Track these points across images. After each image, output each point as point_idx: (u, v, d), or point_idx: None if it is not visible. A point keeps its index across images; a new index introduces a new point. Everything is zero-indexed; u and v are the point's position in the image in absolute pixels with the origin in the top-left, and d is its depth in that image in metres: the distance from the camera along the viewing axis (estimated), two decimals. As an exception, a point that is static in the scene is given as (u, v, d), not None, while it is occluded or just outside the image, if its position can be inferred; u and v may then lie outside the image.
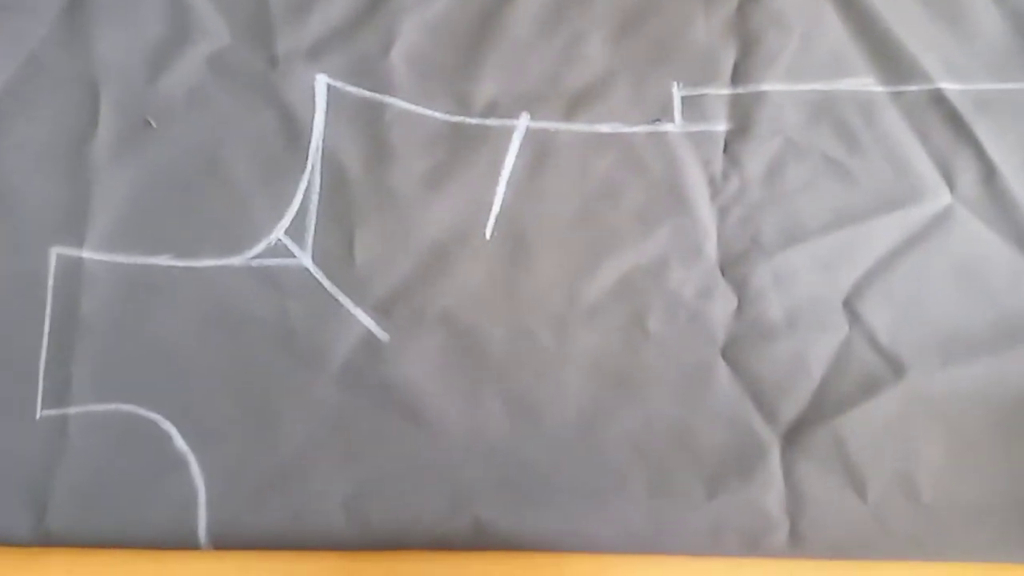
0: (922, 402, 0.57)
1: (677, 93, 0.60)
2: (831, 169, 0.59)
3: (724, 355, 0.58)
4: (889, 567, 0.56)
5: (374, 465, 0.56)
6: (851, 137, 0.59)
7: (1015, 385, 0.57)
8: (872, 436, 0.56)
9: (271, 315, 0.57)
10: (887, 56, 0.60)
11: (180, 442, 0.56)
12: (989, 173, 0.59)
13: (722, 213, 0.59)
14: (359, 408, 0.57)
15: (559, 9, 0.61)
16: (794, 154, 0.59)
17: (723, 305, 0.58)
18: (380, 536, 0.55)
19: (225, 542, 0.55)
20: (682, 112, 0.60)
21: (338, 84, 0.60)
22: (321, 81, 0.60)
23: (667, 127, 0.60)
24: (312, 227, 0.58)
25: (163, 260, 0.58)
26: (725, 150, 0.60)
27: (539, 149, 0.59)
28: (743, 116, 0.60)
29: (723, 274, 0.59)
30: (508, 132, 0.60)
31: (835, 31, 0.61)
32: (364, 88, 0.60)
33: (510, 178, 0.59)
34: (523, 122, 0.60)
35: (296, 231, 0.58)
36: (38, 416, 0.56)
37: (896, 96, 0.60)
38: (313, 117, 0.59)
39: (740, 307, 0.58)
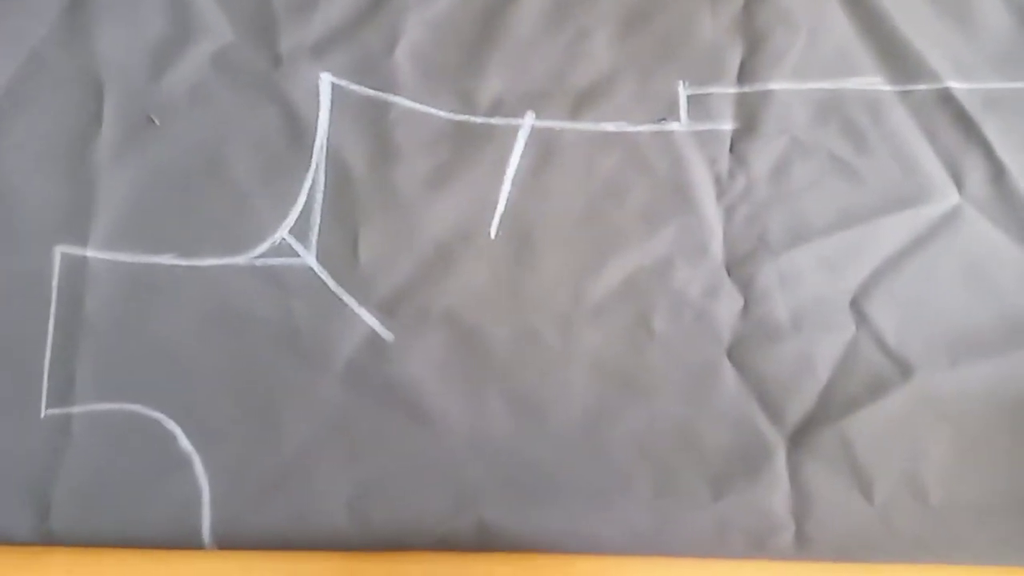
0: (930, 403, 0.57)
1: (683, 92, 0.60)
2: (838, 168, 0.59)
3: (730, 355, 0.57)
4: (896, 569, 0.55)
5: (378, 465, 0.56)
6: (858, 136, 0.59)
7: None
8: (879, 437, 0.56)
9: (275, 315, 0.57)
10: (894, 55, 0.60)
11: (184, 441, 0.56)
12: (998, 173, 0.59)
13: (728, 212, 0.59)
14: (363, 408, 0.57)
15: (564, 7, 0.60)
16: (801, 153, 0.59)
17: (729, 305, 0.58)
18: (383, 536, 0.55)
19: (229, 542, 0.55)
20: (688, 111, 0.59)
21: (342, 82, 0.60)
22: (325, 79, 0.60)
23: (673, 126, 0.59)
24: (316, 226, 0.58)
25: (167, 259, 0.58)
26: (731, 149, 0.59)
27: (544, 148, 0.59)
28: (749, 115, 0.59)
29: (729, 274, 0.58)
30: (513, 131, 0.59)
31: (842, 29, 0.60)
32: (368, 86, 0.60)
33: (515, 177, 0.59)
34: (528, 121, 0.59)
35: (300, 230, 0.58)
36: (42, 415, 0.56)
37: (904, 95, 0.60)
38: (317, 116, 0.59)
39: (746, 307, 0.58)
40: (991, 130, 0.59)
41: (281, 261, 0.58)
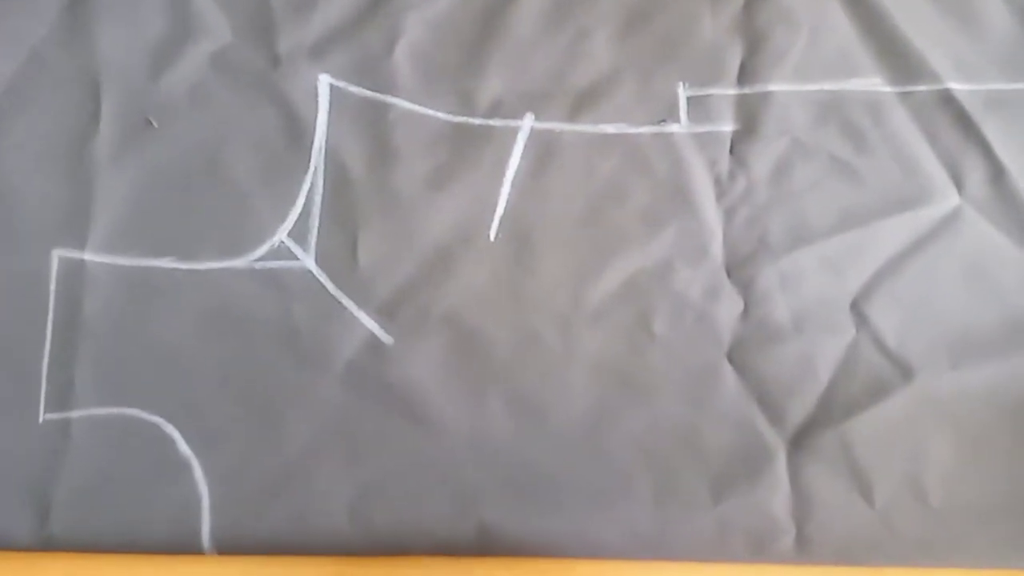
0: (931, 405, 0.56)
1: (683, 93, 0.59)
2: (838, 170, 0.59)
3: (730, 357, 0.57)
4: (897, 572, 0.55)
5: (378, 468, 0.56)
6: (859, 137, 0.59)
7: (1024, 388, 0.57)
8: (880, 439, 0.56)
9: (274, 318, 0.57)
10: (895, 56, 0.60)
11: (183, 446, 0.56)
12: (998, 174, 0.58)
13: (728, 214, 0.59)
14: (363, 411, 0.56)
15: (564, 7, 0.60)
16: (801, 155, 0.59)
17: (729, 307, 0.58)
18: (384, 540, 0.55)
19: (229, 547, 0.55)
20: (688, 112, 0.59)
21: (341, 84, 0.59)
22: (324, 81, 0.59)
23: (673, 127, 0.59)
24: (315, 229, 0.58)
25: (165, 262, 0.57)
26: (731, 151, 0.59)
27: (544, 150, 0.59)
28: (750, 116, 0.59)
29: (729, 276, 0.58)
30: (512, 132, 0.59)
31: (843, 30, 0.60)
32: (367, 88, 0.59)
33: (514, 179, 0.59)
34: (527, 122, 0.59)
35: (299, 233, 0.58)
36: (41, 420, 0.56)
37: (904, 96, 0.59)
38: (316, 117, 0.59)
39: (746, 309, 0.58)
40: (991, 131, 0.59)
41: (280, 264, 0.58)
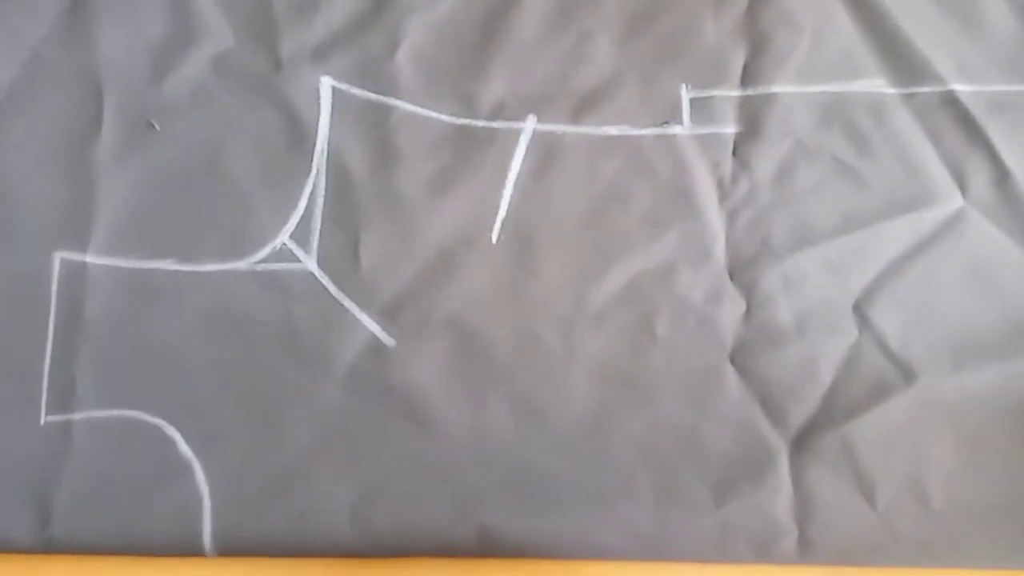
0: (933, 407, 0.56)
1: (686, 95, 0.59)
2: (841, 172, 0.59)
3: (733, 360, 0.57)
4: (899, 574, 0.55)
5: (379, 470, 0.56)
6: (862, 139, 0.59)
7: (1027, 390, 0.57)
8: (882, 441, 0.56)
9: (276, 320, 0.57)
10: (898, 57, 0.60)
11: (184, 448, 0.56)
12: (1002, 176, 0.58)
13: (731, 216, 0.59)
14: (364, 413, 0.56)
15: (566, 10, 0.60)
16: (804, 156, 0.59)
17: (732, 309, 0.58)
18: (385, 542, 0.55)
19: (230, 548, 0.55)
20: (691, 114, 0.59)
21: (343, 86, 0.59)
22: (326, 83, 0.59)
23: (675, 129, 0.59)
24: (317, 231, 0.58)
25: (167, 264, 0.57)
26: (734, 152, 0.59)
27: (546, 152, 0.59)
28: (753, 118, 0.59)
29: (732, 278, 0.58)
30: (515, 135, 0.59)
31: (846, 31, 0.60)
32: (369, 90, 0.59)
33: (517, 181, 0.59)
34: (530, 124, 0.59)
35: (301, 235, 0.58)
36: (42, 422, 0.56)
37: (908, 98, 0.59)
38: (318, 120, 0.59)
39: (749, 311, 0.58)
40: (995, 133, 0.59)
41: (282, 266, 0.58)
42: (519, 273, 0.58)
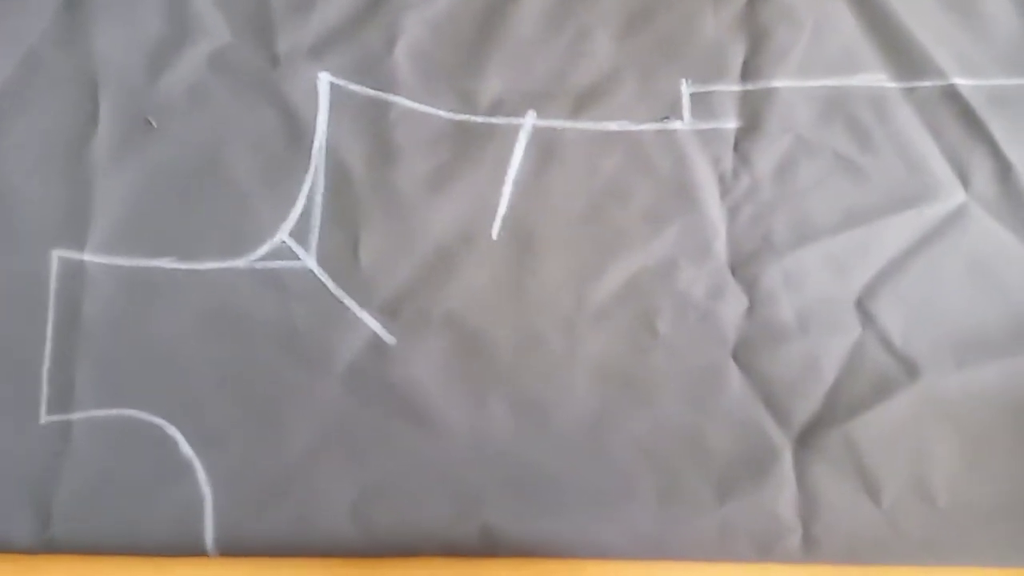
0: (936, 404, 0.56)
1: (686, 90, 0.59)
2: (843, 167, 0.58)
3: (735, 357, 0.57)
4: (903, 572, 0.55)
5: (381, 469, 0.56)
6: (863, 134, 0.59)
7: (1031, 386, 0.57)
8: (886, 439, 0.56)
9: (275, 318, 0.57)
10: (900, 51, 0.59)
11: (185, 447, 0.55)
12: (1004, 171, 0.58)
13: (732, 212, 0.58)
14: (365, 412, 0.56)
15: (565, 5, 0.60)
16: (805, 152, 0.58)
17: (733, 306, 0.57)
18: (387, 541, 0.55)
19: (232, 548, 0.55)
20: (691, 109, 0.59)
21: (341, 82, 0.59)
22: (324, 79, 0.59)
23: (676, 125, 0.59)
24: (316, 228, 0.58)
25: (165, 263, 0.57)
26: (735, 148, 0.59)
27: (545, 148, 0.59)
28: (753, 113, 0.59)
29: (733, 274, 0.58)
30: (514, 131, 0.59)
31: (847, 26, 0.60)
32: (367, 86, 0.59)
33: (516, 178, 0.58)
34: (529, 120, 0.59)
35: (300, 232, 0.58)
36: (41, 421, 0.56)
37: (909, 92, 0.59)
38: (316, 116, 0.59)
39: (751, 308, 0.57)
40: (997, 127, 0.58)
41: (281, 264, 0.57)
42: (519, 270, 0.57)
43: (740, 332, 0.57)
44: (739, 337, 0.57)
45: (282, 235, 0.58)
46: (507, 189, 0.58)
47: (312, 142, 0.58)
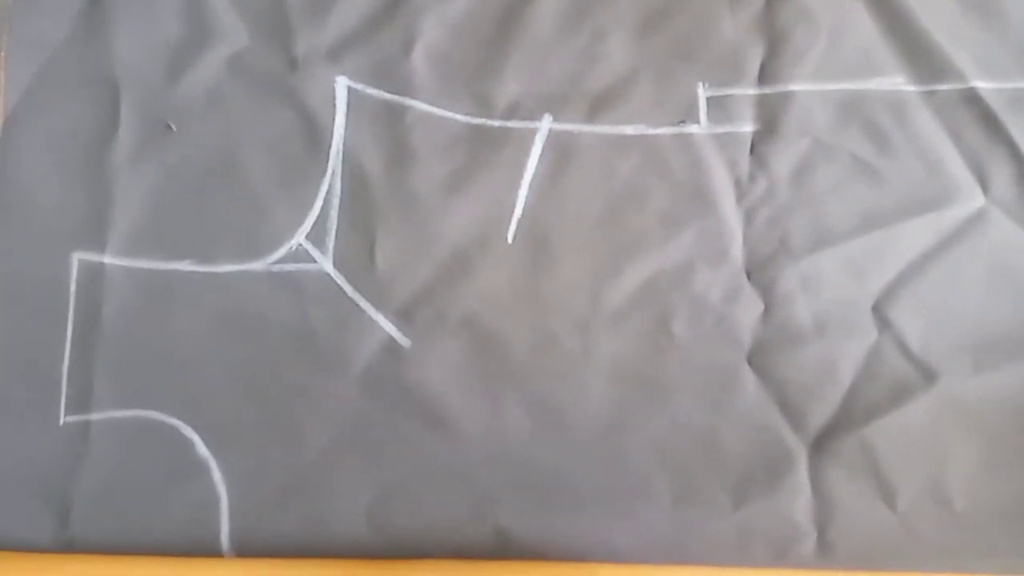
0: (954, 409, 0.56)
1: (703, 93, 0.59)
2: (860, 170, 0.58)
3: (750, 360, 0.57)
4: (919, 578, 0.55)
5: (396, 471, 0.56)
6: (881, 138, 0.58)
7: (1050, 392, 0.56)
8: (902, 444, 0.55)
9: (292, 321, 0.57)
10: (918, 54, 0.59)
11: (202, 448, 0.56)
12: (1024, 174, 0.58)
13: (748, 215, 0.58)
14: (381, 414, 0.56)
15: (581, 7, 0.60)
16: (822, 155, 0.58)
17: (749, 309, 0.57)
18: (402, 543, 0.55)
19: (247, 549, 0.55)
20: (708, 113, 0.59)
21: (358, 86, 0.59)
22: (341, 83, 0.59)
23: (692, 128, 0.59)
24: (333, 231, 0.58)
25: (184, 265, 0.57)
26: (752, 151, 0.59)
27: (562, 151, 0.59)
28: (770, 117, 0.59)
29: (749, 278, 0.58)
30: (530, 134, 0.59)
31: (865, 28, 0.59)
32: (385, 90, 0.59)
33: (532, 181, 0.58)
34: (545, 124, 0.59)
35: (317, 236, 0.58)
36: (61, 422, 0.56)
37: (928, 95, 0.59)
38: (333, 119, 0.59)
39: (767, 311, 0.57)
40: (1017, 130, 0.58)
41: (298, 267, 0.58)
42: (535, 273, 0.58)
43: (756, 336, 0.57)
44: (755, 341, 0.57)
45: (299, 238, 0.58)
46: (523, 192, 0.58)
47: (329, 145, 0.59)
